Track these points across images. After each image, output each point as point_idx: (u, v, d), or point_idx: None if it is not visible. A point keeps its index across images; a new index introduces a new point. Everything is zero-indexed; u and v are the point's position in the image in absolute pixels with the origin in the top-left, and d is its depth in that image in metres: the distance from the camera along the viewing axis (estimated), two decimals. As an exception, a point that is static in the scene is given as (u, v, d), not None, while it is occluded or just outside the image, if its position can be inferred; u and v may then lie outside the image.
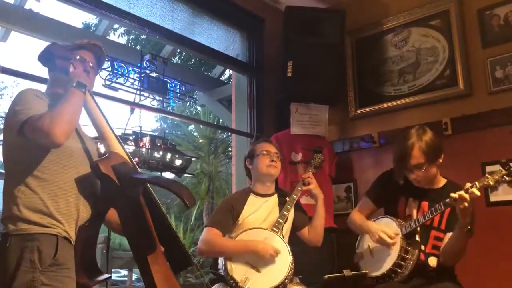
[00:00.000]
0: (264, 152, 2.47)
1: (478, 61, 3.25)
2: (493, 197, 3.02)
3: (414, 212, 2.30)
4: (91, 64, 1.90)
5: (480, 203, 3.03)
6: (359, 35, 3.90)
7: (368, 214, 2.47)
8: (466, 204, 1.96)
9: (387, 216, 2.37)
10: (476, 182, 2.00)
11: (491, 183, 1.99)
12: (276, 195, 2.52)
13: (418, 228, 2.23)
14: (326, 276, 2.04)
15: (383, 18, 3.77)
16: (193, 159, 3.38)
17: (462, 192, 1.98)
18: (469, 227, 2.05)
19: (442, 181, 2.33)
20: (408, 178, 2.32)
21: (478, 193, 1.97)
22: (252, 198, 2.47)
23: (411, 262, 2.19)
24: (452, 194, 2.00)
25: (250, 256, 2.27)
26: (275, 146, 2.55)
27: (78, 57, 1.86)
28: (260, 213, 2.42)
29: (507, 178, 1.97)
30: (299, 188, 2.48)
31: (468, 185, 2.01)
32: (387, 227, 2.30)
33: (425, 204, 2.28)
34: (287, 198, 2.49)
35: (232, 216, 2.40)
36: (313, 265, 2.87)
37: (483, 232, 2.94)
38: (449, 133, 3.22)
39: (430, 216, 2.17)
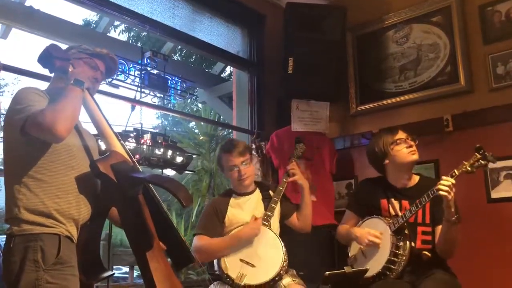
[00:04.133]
0: (232, 167, 2.45)
1: (479, 58, 3.24)
2: (494, 194, 3.01)
3: (398, 211, 2.37)
4: (101, 73, 1.94)
5: (481, 200, 3.03)
6: (360, 32, 3.89)
7: (353, 225, 2.52)
8: (449, 194, 2.06)
9: (374, 216, 2.42)
10: (455, 170, 2.12)
11: (468, 169, 2.10)
12: (257, 191, 2.54)
13: (406, 225, 2.28)
14: (327, 272, 2.05)
15: (384, 15, 3.75)
16: (194, 156, 3.38)
17: (445, 182, 2.09)
18: (456, 215, 2.12)
19: (416, 178, 2.44)
20: (385, 180, 2.46)
21: (452, 180, 2.08)
22: (234, 199, 2.49)
23: (404, 257, 2.22)
24: (441, 187, 2.09)
25: (243, 252, 2.28)
26: (239, 153, 2.45)
27: (90, 62, 1.88)
28: (245, 212, 2.45)
29: (482, 162, 2.10)
30: (284, 180, 2.52)
31: (443, 176, 2.12)
32: (374, 227, 2.36)
33: (405, 202, 2.36)
34: (270, 192, 2.52)
35: (218, 220, 2.42)
36: (313, 262, 2.88)
37: (484, 228, 2.96)
38: (450, 129, 3.21)
39: (416, 209, 2.23)
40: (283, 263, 2.27)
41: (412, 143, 2.38)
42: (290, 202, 2.61)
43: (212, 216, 2.44)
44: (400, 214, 2.32)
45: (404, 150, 2.36)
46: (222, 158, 2.50)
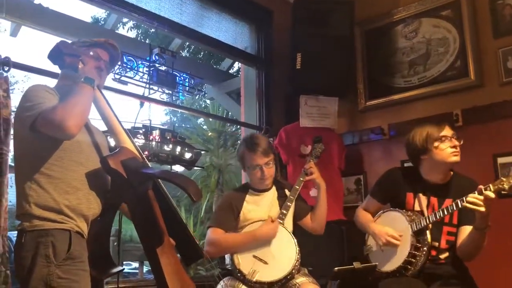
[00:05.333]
0: (255, 166, 2.42)
1: (489, 52, 3.21)
2: (505, 189, 2.98)
3: (424, 208, 2.28)
4: (104, 62, 1.93)
5: (492, 195, 3.01)
6: (368, 26, 3.86)
7: (374, 212, 2.47)
8: (482, 208, 1.94)
9: (396, 209, 2.34)
10: (491, 185, 1.96)
11: (506, 187, 1.94)
12: (274, 188, 2.53)
13: (430, 225, 2.21)
14: (336, 268, 2.04)
15: (393, 9, 3.73)
16: (202, 152, 3.39)
17: (476, 195, 1.96)
18: (487, 226, 2.03)
19: (449, 175, 2.31)
20: (417, 173, 2.34)
21: (492, 195, 1.93)
22: (250, 195, 2.49)
23: (422, 259, 2.18)
24: (469, 199, 1.98)
25: (256, 249, 2.29)
26: (263, 153, 2.40)
27: (91, 53, 1.87)
28: (261, 209, 2.44)
29: None
30: (301, 179, 2.50)
31: (481, 187, 1.97)
32: (395, 223, 2.29)
33: (434, 200, 2.27)
34: (286, 190, 2.51)
35: (233, 214, 2.42)
36: (323, 258, 2.88)
37: (496, 224, 2.89)
38: (460, 124, 3.19)
39: (442, 215, 2.15)
40: (296, 262, 2.26)
41: (457, 143, 2.23)
42: (305, 202, 2.58)
43: (227, 210, 2.43)
44: (425, 211, 2.26)
45: (448, 150, 2.21)
46: (245, 155, 2.46)
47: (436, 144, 2.23)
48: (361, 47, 3.87)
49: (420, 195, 2.31)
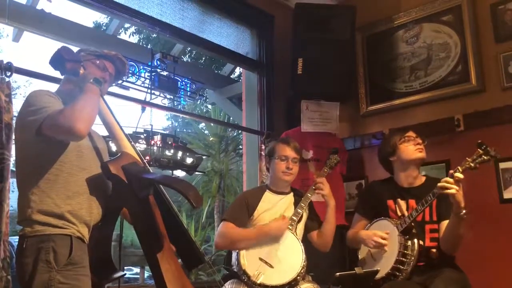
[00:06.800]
0: (282, 157, 2.46)
1: (491, 57, 3.21)
2: (507, 194, 2.98)
3: (405, 211, 2.37)
4: (109, 75, 1.94)
5: (494, 200, 3.00)
6: (369, 31, 3.87)
7: (362, 228, 2.53)
8: (454, 190, 2.06)
9: (382, 218, 2.43)
10: (459, 167, 2.11)
11: (472, 165, 2.09)
12: (292, 194, 2.53)
13: (413, 224, 2.28)
14: (338, 273, 2.04)
15: (394, 14, 3.73)
16: (204, 157, 3.39)
17: (446, 178, 2.10)
18: (464, 211, 2.10)
19: (422, 179, 2.47)
20: (392, 181, 2.50)
21: (461, 176, 2.07)
22: (267, 194, 2.49)
23: (412, 258, 2.23)
24: (440, 184, 2.10)
25: (263, 251, 2.28)
26: (294, 149, 2.49)
27: (98, 62, 1.89)
28: (275, 210, 2.43)
29: (485, 158, 2.09)
30: (313, 187, 2.48)
31: (451, 171, 2.12)
32: (383, 229, 2.37)
33: (412, 202, 2.38)
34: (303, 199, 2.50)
35: (247, 211, 2.42)
36: (324, 263, 2.87)
37: (497, 229, 2.93)
38: (462, 129, 3.19)
39: (422, 208, 2.24)
40: (302, 269, 2.26)
41: (420, 141, 2.43)
42: (317, 216, 2.56)
43: (242, 207, 2.44)
44: (406, 214, 2.33)
45: (411, 147, 2.41)
46: (277, 146, 2.52)
47: (400, 142, 2.44)
48: (362, 52, 3.88)
49: (399, 200, 2.41)
